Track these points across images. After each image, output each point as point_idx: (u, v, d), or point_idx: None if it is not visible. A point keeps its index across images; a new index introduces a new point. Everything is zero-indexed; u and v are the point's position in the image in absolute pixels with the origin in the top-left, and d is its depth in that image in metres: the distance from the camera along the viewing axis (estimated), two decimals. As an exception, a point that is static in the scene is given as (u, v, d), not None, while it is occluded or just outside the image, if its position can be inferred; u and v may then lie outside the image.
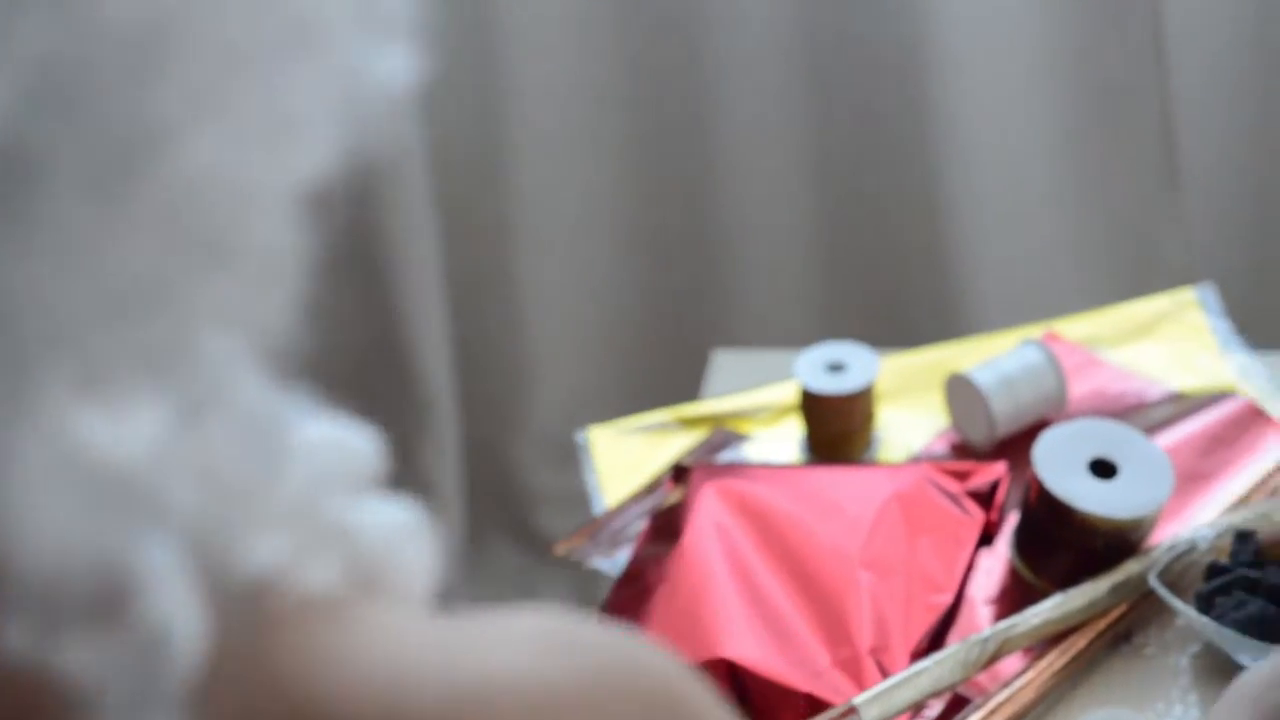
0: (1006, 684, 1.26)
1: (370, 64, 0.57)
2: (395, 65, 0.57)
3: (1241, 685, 1.07)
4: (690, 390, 1.76)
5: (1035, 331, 1.64)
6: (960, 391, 1.52)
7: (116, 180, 0.51)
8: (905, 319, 2.38)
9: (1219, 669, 1.29)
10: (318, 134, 0.56)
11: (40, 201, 0.50)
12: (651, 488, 1.50)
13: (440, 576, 0.61)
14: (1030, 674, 1.27)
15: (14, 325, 0.50)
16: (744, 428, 1.58)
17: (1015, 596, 1.36)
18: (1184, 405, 1.54)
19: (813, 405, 1.52)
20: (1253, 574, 1.29)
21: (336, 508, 0.59)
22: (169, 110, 0.52)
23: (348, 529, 0.58)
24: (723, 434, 1.57)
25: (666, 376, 2.41)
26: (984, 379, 1.51)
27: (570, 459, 1.62)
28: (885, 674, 1.25)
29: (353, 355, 2.52)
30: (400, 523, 0.60)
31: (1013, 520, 1.41)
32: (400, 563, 0.60)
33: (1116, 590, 1.32)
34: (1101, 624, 1.31)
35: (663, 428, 1.59)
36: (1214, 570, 1.31)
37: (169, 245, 0.53)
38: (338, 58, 0.56)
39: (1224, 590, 1.29)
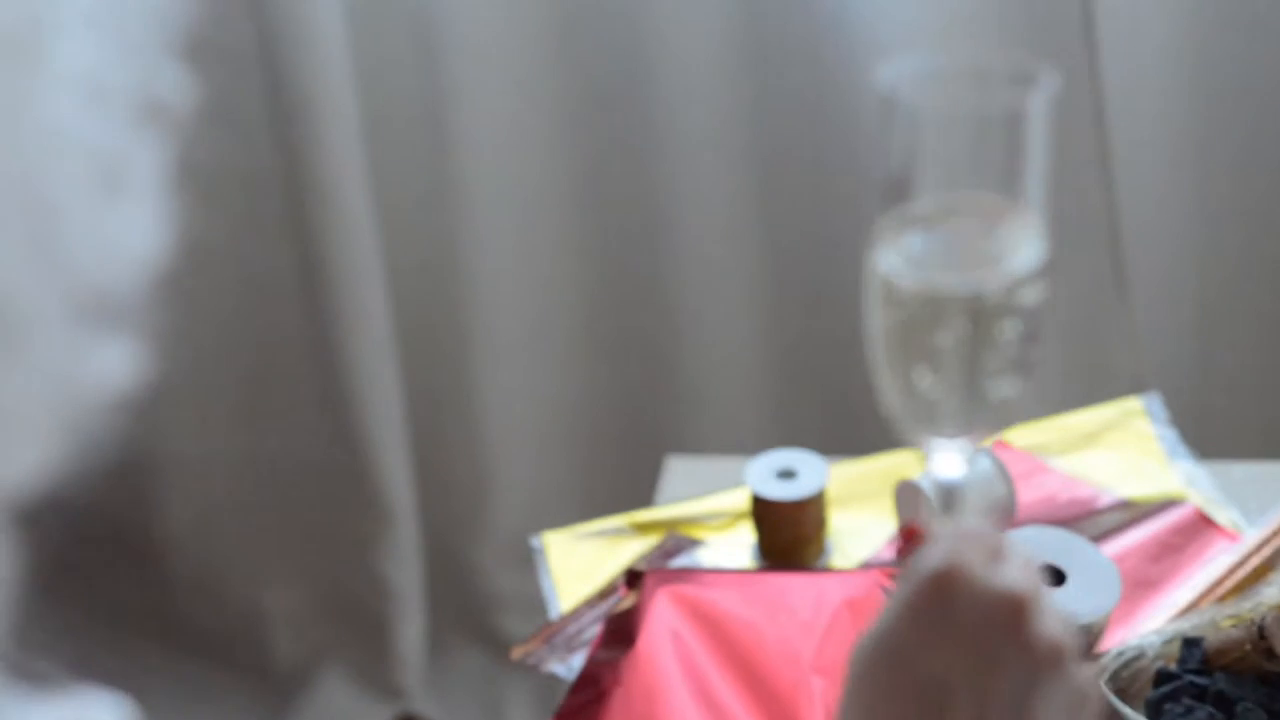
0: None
1: (83, 365, 0.53)
2: (112, 364, 0.53)
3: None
4: (646, 495, 1.77)
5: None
6: (910, 498, 1.53)
7: None
8: (857, 426, 2.39)
9: (1165, 774, 1.30)
10: (24, 439, 0.52)
11: None
12: (606, 593, 1.51)
13: None
14: (980, 779, 1.27)
15: None
16: (697, 533, 1.59)
17: (965, 702, 1.37)
18: (1132, 512, 1.55)
19: (764, 512, 1.53)
20: (1200, 681, 1.30)
21: None
22: None
23: None
24: (676, 539, 1.58)
25: (623, 481, 2.41)
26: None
27: (530, 563, 1.63)
28: (837, 779, 1.26)
29: (312, 465, 2.52)
30: None
31: (963, 626, 1.42)
32: None
33: (1065, 696, 1.32)
34: (1050, 729, 1.32)
35: (617, 533, 1.60)
36: (1162, 677, 1.32)
37: None
38: (46, 359, 0.52)
39: (1172, 697, 1.30)
